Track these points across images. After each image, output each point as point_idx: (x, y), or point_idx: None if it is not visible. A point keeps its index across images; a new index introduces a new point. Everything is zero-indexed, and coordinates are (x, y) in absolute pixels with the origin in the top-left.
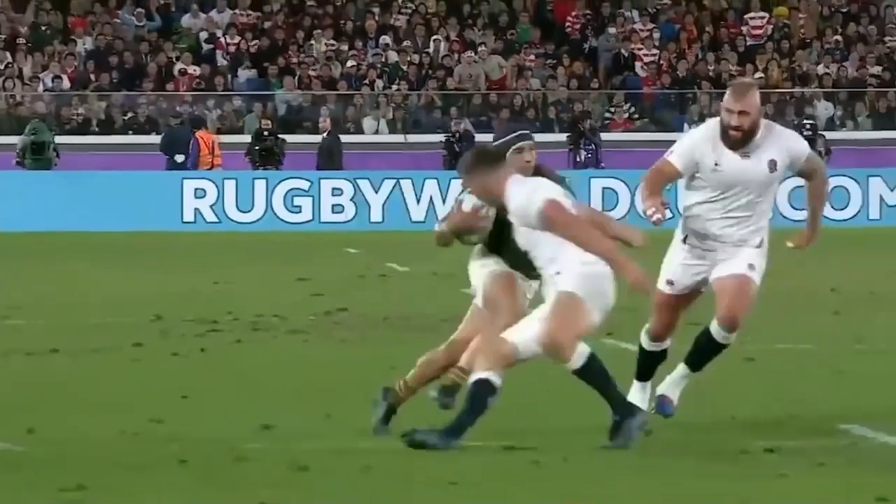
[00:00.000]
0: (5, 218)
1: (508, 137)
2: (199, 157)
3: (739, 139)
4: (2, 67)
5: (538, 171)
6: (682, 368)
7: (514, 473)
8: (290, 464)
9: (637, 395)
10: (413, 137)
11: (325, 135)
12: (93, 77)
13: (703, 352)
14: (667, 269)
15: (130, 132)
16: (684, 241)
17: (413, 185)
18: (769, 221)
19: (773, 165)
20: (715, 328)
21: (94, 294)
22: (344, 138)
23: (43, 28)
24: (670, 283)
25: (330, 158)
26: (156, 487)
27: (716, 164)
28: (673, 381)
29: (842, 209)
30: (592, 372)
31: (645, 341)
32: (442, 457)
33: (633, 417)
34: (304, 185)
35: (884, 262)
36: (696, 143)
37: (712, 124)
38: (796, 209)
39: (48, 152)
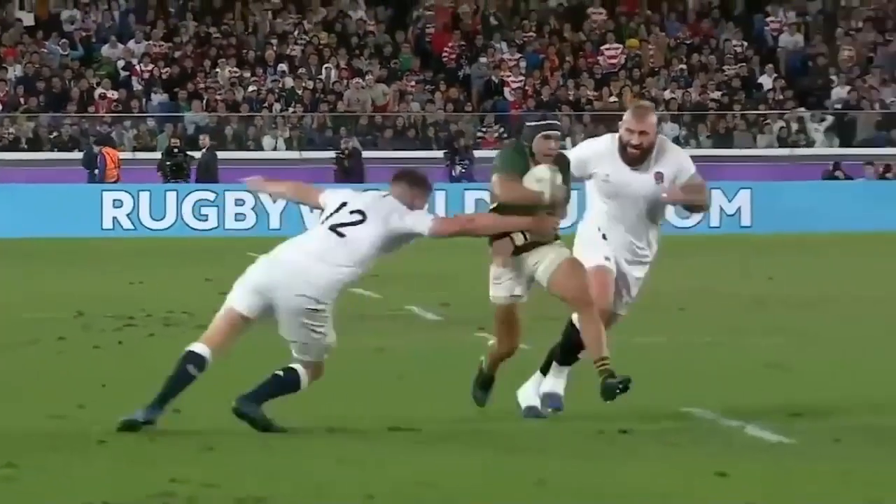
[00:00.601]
0: None
1: (539, 123)
2: (105, 171)
3: (637, 156)
4: None
5: (559, 159)
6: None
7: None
8: (197, 444)
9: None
10: (307, 154)
11: (204, 150)
12: (22, 100)
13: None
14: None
15: (55, 149)
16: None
17: None
18: (659, 229)
19: (659, 177)
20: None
21: (22, 293)
22: (246, 154)
23: None
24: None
25: (207, 172)
26: (78, 465)
27: (607, 175)
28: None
29: (686, 218)
30: None
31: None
32: (335, 435)
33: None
34: (211, 196)
35: (724, 263)
36: (590, 152)
37: (610, 139)
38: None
39: None
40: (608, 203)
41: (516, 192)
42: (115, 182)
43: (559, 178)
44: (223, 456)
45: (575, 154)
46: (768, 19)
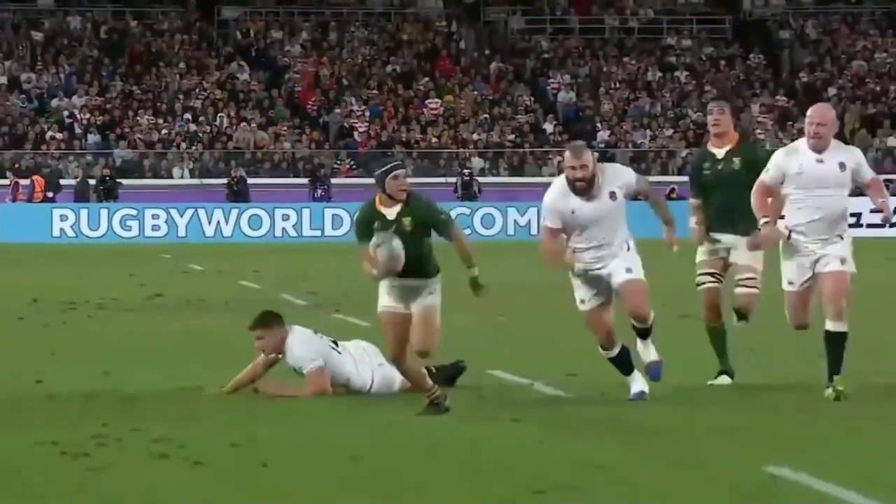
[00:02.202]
0: None
1: (387, 168)
2: (33, 193)
3: (585, 187)
4: None
5: (408, 195)
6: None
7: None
8: (122, 398)
9: (637, 382)
10: (206, 181)
11: (106, 178)
12: None
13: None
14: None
15: (15, 177)
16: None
17: (206, 212)
18: (627, 232)
19: (613, 196)
20: (631, 321)
21: None
22: (160, 181)
23: None
24: (583, 301)
25: (109, 194)
26: (28, 416)
27: (572, 212)
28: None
29: (489, 229)
30: None
31: (603, 353)
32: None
33: None
34: (134, 212)
35: (516, 264)
36: (553, 201)
37: (560, 182)
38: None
39: None
40: (580, 234)
41: (364, 270)
42: (40, 202)
43: (382, 251)
44: (145, 406)
45: (545, 215)
46: (549, 81)
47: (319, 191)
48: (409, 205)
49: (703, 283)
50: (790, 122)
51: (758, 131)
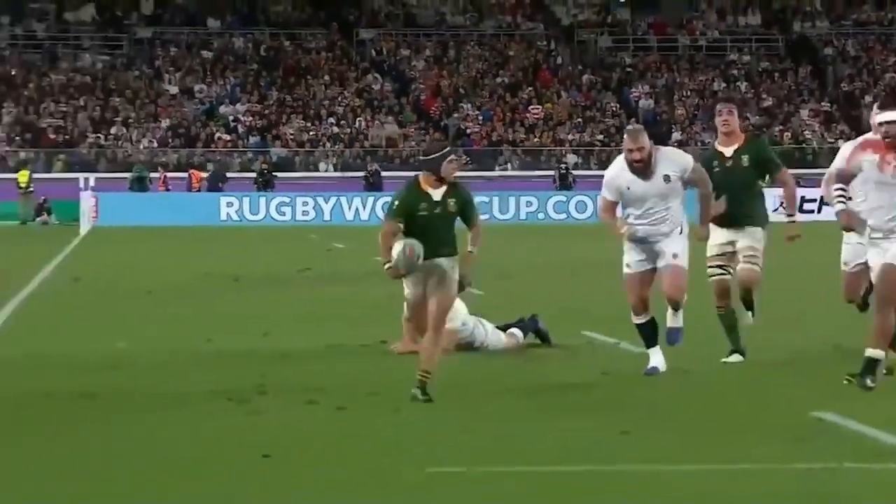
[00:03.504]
0: None
1: (443, 152)
2: (191, 184)
3: (641, 167)
4: None
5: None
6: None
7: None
8: (278, 354)
9: (656, 356)
10: (346, 174)
11: (264, 171)
12: (170, 140)
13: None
14: (628, 257)
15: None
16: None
17: (346, 199)
18: (682, 215)
19: (667, 178)
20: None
21: (174, 261)
22: (308, 174)
23: None
24: (628, 265)
25: (267, 185)
26: (200, 369)
27: (627, 188)
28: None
29: (582, 213)
30: None
31: (633, 318)
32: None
33: None
34: (287, 200)
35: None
36: (612, 177)
37: (620, 160)
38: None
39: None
40: (634, 209)
41: (381, 246)
42: (198, 191)
43: (404, 255)
44: (296, 362)
45: (604, 187)
46: (632, 90)
47: None
48: (455, 187)
49: (714, 276)
50: (834, 124)
51: (805, 132)
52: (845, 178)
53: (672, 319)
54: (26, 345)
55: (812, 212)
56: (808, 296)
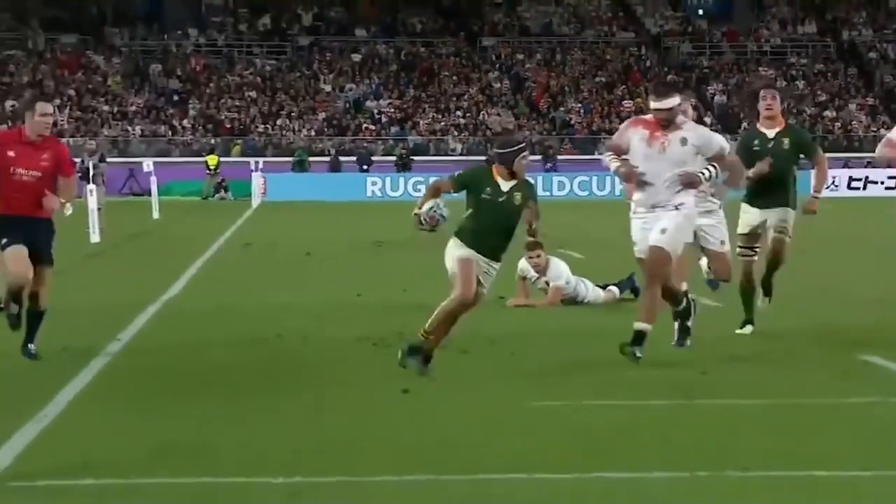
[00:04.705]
0: None
1: (519, 147)
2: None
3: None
4: None
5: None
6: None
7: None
8: (415, 306)
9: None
10: (471, 157)
11: (403, 155)
12: (325, 130)
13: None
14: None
15: (339, 157)
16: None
17: None
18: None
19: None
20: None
21: (330, 229)
22: (440, 158)
23: None
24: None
25: (405, 167)
26: (351, 319)
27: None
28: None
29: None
30: None
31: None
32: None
33: None
34: (422, 179)
35: None
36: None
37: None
38: None
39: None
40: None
41: (425, 193)
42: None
43: (431, 219)
44: (431, 313)
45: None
46: (708, 88)
47: (549, 164)
48: (524, 184)
49: (743, 256)
50: (878, 116)
51: (853, 122)
52: (616, 150)
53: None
54: (210, 298)
55: (858, 189)
56: (847, 263)
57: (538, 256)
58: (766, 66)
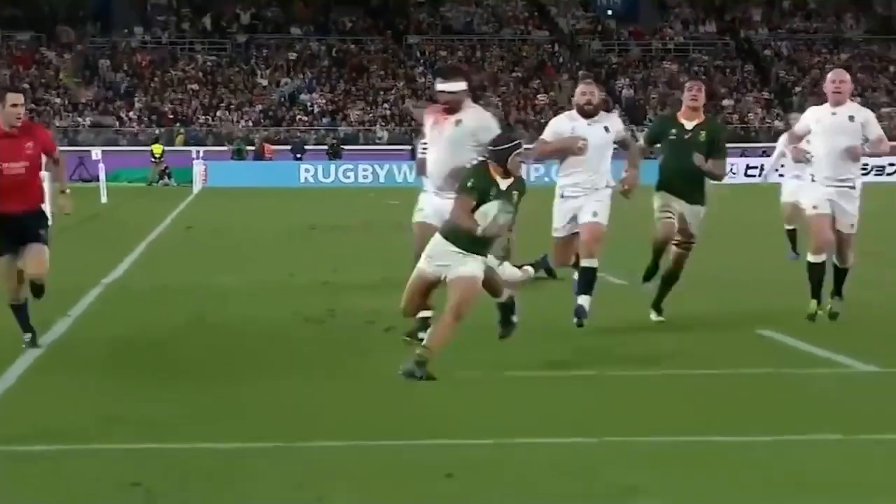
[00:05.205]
0: None
1: (515, 143)
2: (264, 154)
3: (591, 110)
4: None
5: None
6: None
7: None
8: (344, 286)
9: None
10: (397, 147)
11: (334, 144)
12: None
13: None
14: (556, 220)
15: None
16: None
17: (397, 166)
18: (610, 174)
19: (606, 129)
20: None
21: (263, 213)
22: (367, 147)
23: None
24: (556, 229)
25: (336, 155)
26: (285, 297)
27: (572, 129)
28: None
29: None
30: None
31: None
32: None
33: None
34: (351, 166)
35: None
36: (557, 120)
37: (569, 112)
38: None
39: None
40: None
41: (461, 221)
42: (270, 160)
43: (502, 217)
44: (359, 292)
45: (548, 127)
46: (617, 83)
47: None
48: (518, 181)
49: (664, 219)
50: (772, 109)
51: (750, 115)
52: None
53: (582, 300)
54: (154, 278)
55: (754, 176)
56: (746, 246)
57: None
58: (669, 62)
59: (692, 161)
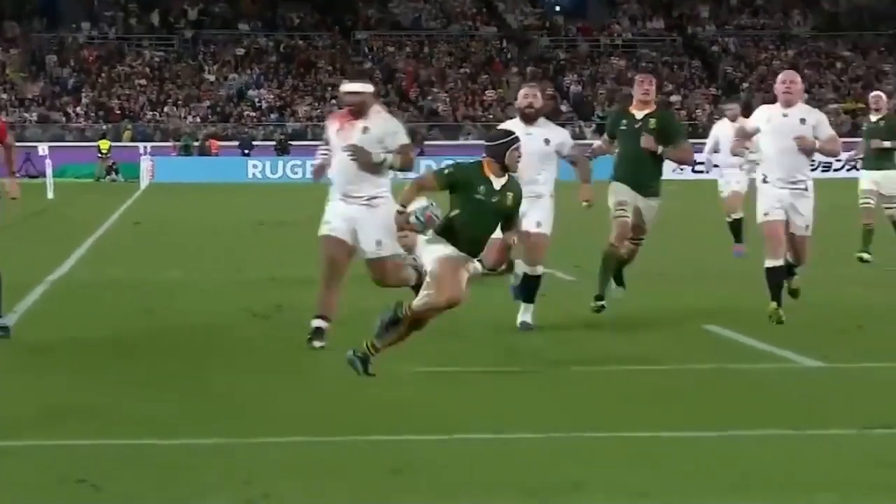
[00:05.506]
0: None
1: (511, 138)
2: (211, 149)
3: (533, 114)
4: None
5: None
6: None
7: None
8: (294, 281)
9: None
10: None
11: (282, 140)
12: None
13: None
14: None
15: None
16: None
17: None
18: (552, 185)
19: (547, 142)
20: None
21: (215, 207)
22: (317, 143)
23: None
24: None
25: (284, 151)
26: (232, 293)
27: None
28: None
29: None
30: None
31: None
32: None
33: None
34: (300, 162)
35: None
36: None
37: (513, 119)
38: None
39: None
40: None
41: (406, 192)
42: (216, 155)
43: (428, 219)
44: (307, 287)
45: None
46: (565, 78)
47: (418, 148)
48: (511, 180)
49: (618, 218)
50: (720, 105)
51: (697, 110)
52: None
53: (523, 314)
54: (102, 272)
55: (701, 172)
56: (693, 241)
57: (406, 236)
58: (617, 59)
59: (644, 150)
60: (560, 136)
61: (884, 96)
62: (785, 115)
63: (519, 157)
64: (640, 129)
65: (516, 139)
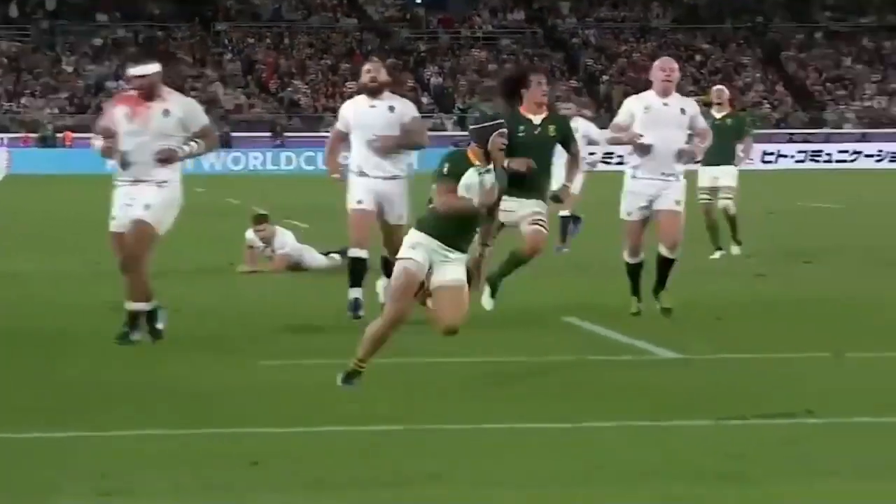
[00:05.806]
0: None
1: (493, 123)
2: (65, 142)
3: (376, 88)
4: None
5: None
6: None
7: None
8: (182, 274)
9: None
10: None
11: None
12: None
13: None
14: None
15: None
16: None
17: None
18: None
19: (392, 109)
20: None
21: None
22: None
23: None
24: (360, 202)
25: None
26: (103, 286)
27: (355, 112)
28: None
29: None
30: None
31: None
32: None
33: None
34: None
35: None
36: (344, 106)
37: (357, 96)
38: None
39: None
40: (361, 137)
41: (453, 205)
42: (71, 147)
43: (487, 181)
44: (184, 278)
45: (339, 115)
46: (426, 70)
47: (278, 140)
48: (496, 168)
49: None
50: (581, 97)
51: (558, 103)
52: (105, 132)
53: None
54: None
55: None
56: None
57: (263, 230)
58: (479, 50)
59: (541, 157)
60: (404, 105)
61: (726, 91)
62: (665, 105)
63: (504, 143)
64: (539, 136)
65: (501, 123)
